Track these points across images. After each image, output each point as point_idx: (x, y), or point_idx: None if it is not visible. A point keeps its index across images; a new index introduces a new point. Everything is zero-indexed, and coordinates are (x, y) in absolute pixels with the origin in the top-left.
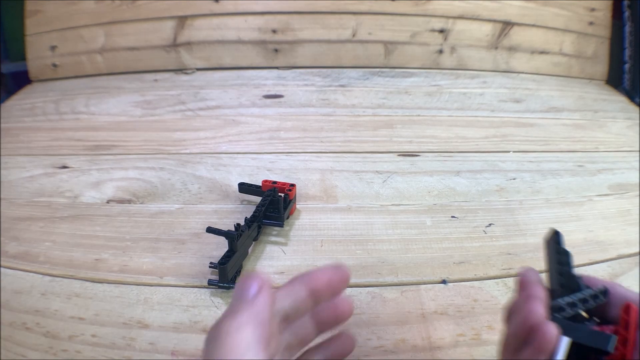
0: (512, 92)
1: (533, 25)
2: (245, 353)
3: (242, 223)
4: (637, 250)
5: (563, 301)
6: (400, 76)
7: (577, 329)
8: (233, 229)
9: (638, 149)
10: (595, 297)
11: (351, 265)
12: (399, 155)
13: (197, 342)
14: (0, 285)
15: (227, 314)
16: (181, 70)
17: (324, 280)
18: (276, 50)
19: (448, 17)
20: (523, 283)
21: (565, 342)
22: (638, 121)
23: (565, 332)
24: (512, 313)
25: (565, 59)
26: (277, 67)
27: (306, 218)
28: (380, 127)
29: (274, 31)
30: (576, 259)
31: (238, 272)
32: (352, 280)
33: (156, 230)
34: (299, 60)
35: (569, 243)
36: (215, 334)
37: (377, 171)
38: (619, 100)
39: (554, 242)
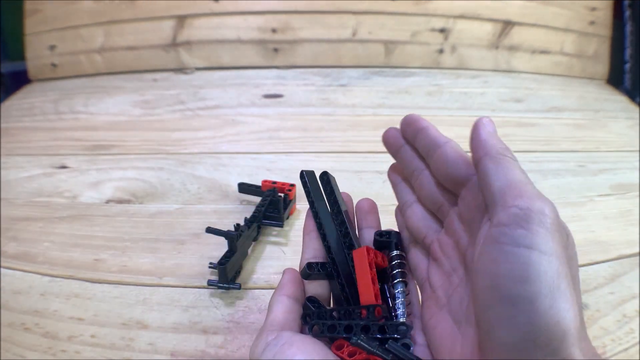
0: (513, 91)
1: (534, 25)
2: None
3: (242, 223)
4: (638, 250)
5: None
6: (400, 76)
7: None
8: (233, 229)
9: (639, 149)
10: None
11: None
12: None
13: (196, 342)
14: None
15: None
16: (180, 69)
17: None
18: (276, 50)
19: (448, 17)
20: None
21: None
22: (639, 121)
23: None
24: None
25: (566, 59)
26: (276, 67)
27: None
28: (380, 127)
29: (274, 30)
30: (577, 260)
31: (238, 273)
32: None
33: (155, 230)
34: (298, 59)
35: None
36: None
37: (377, 171)
38: (620, 100)
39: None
